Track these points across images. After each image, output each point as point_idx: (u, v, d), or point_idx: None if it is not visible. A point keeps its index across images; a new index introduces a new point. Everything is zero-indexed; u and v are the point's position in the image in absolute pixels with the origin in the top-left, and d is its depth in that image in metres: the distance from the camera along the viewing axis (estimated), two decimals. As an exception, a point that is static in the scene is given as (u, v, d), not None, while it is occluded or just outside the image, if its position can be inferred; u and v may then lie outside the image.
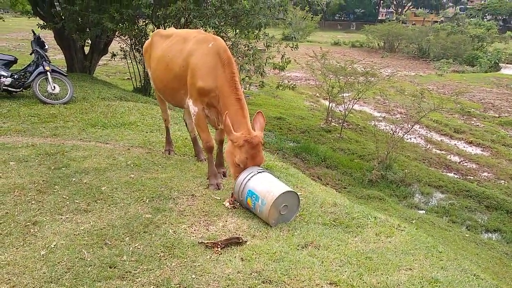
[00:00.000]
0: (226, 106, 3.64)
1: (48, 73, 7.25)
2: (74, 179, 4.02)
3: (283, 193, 3.27)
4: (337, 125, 14.25)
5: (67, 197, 3.63)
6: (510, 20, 78.80)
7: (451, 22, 45.34)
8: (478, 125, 16.28)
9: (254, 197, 3.34)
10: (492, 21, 53.94)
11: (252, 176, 3.41)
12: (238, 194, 3.51)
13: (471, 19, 52.95)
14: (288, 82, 12.79)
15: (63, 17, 10.26)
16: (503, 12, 75.06)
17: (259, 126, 3.63)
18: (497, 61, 34.89)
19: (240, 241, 2.98)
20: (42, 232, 3.06)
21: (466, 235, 8.25)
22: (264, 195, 3.29)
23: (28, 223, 3.16)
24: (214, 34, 9.57)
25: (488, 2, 79.57)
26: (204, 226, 3.26)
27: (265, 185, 3.35)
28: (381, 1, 79.76)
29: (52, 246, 2.88)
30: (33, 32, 7.97)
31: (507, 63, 36.49)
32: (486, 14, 73.59)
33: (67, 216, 3.31)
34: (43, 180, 3.95)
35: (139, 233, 3.11)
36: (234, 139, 3.50)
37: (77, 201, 3.56)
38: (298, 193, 3.46)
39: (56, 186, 3.84)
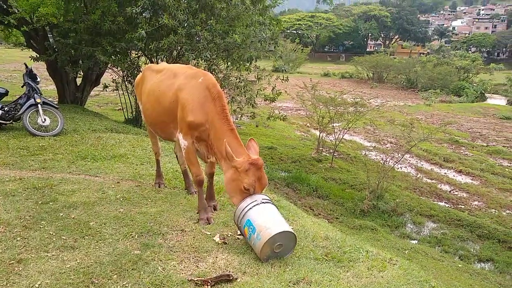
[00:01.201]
0: (220, 137, 3.67)
1: (39, 105, 7.26)
2: (61, 214, 3.95)
3: (279, 232, 3.21)
4: (328, 154, 14.34)
5: (53, 233, 3.55)
6: (494, 52, 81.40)
7: (437, 54, 46.73)
8: (467, 154, 16.50)
9: (251, 229, 3.29)
10: (477, 53, 55.71)
11: (254, 206, 3.35)
12: (237, 220, 3.45)
13: (456, 51, 54.63)
14: (279, 112, 12.93)
15: (56, 50, 10.38)
16: (486, 45, 77.75)
17: (254, 151, 3.66)
18: (483, 91, 35.84)
19: (231, 278, 2.92)
20: (27, 271, 2.98)
21: (459, 265, 8.20)
22: (261, 229, 3.23)
23: (13, 261, 3.08)
24: (206, 66, 9.82)
25: (472, 35, 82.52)
26: (193, 262, 3.20)
27: (264, 219, 3.28)
28: (369, 34, 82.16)
29: (37, 285, 2.80)
30: (25, 65, 8.03)
31: (492, 93, 37.49)
32: (471, 46, 76.11)
33: (53, 253, 3.23)
34: (30, 216, 3.88)
35: (127, 270, 3.04)
36: (238, 165, 3.48)
37: (64, 237, 3.49)
38: (292, 229, 3.40)
39: (42, 222, 3.77)
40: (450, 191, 12.36)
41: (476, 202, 11.62)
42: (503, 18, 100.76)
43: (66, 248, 3.31)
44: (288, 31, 65.17)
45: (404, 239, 9.18)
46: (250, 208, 3.34)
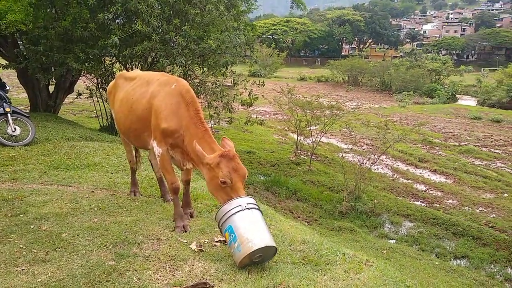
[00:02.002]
0: (194, 138, 3.62)
1: (9, 114, 7.05)
2: (32, 226, 3.82)
3: (261, 248, 3.13)
4: (306, 157, 14.46)
5: (24, 246, 3.43)
6: (463, 54, 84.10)
7: (409, 57, 47.91)
8: (440, 153, 16.94)
9: (232, 236, 3.20)
10: (447, 56, 57.43)
11: (238, 211, 3.24)
12: (219, 222, 3.34)
13: (428, 54, 56.17)
14: (257, 117, 12.97)
15: (26, 57, 10.11)
16: (456, 48, 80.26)
17: (229, 147, 3.59)
18: (454, 92, 36.97)
19: (207, 286, 2.89)
20: (-5, 287, 2.87)
21: (436, 263, 8.37)
22: (243, 241, 3.13)
23: (-20, 277, 2.96)
24: (181, 72, 9.76)
25: (443, 38, 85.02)
26: (170, 271, 3.15)
27: (246, 229, 3.17)
28: (344, 38, 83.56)
29: (5, 301, 2.70)
30: (-7, 73, 7.79)
31: (463, 95, 38.68)
32: (441, 49, 78.39)
33: (23, 268, 3.12)
34: (-1, 229, 3.74)
35: (101, 282, 2.96)
36: (209, 161, 3.43)
37: (34, 250, 3.37)
38: (274, 243, 3.31)
39: (12, 235, 3.64)
40: (425, 191, 12.65)
41: (450, 201, 11.93)
42: (471, 21, 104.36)
43: (37, 262, 3.21)
44: (264, 36, 65.57)
45: (383, 239, 9.33)
46: (234, 214, 3.24)
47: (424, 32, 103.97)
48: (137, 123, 4.15)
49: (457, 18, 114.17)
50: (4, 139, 6.93)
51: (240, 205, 3.27)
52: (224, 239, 3.44)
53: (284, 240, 3.77)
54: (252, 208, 3.31)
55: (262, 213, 3.42)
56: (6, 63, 10.73)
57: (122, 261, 3.25)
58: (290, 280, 3.02)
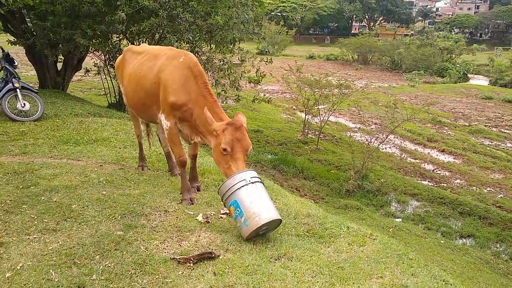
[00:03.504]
0: (203, 109, 3.62)
1: (18, 90, 7.10)
2: (43, 198, 3.91)
3: (268, 222, 3.18)
4: (313, 136, 14.43)
5: (35, 217, 3.52)
6: (477, 33, 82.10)
7: (420, 35, 46.87)
8: (449, 133, 16.78)
9: (238, 211, 3.23)
10: (460, 34, 56.10)
11: (242, 186, 3.26)
12: (223, 197, 3.37)
13: (440, 32, 54.90)
14: (264, 95, 12.90)
15: (34, 33, 10.10)
16: (469, 25, 78.25)
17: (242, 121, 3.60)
18: (465, 72, 36.24)
19: (213, 255, 2.95)
20: (8, 254, 2.96)
21: (442, 241, 8.42)
22: (250, 215, 3.17)
23: (-6, 245, 3.06)
24: (188, 49, 9.69)
25: (456, 16, 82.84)
26: (176, 241, 3.22)
27: (252, 203, 3.20)
28: (354, 16, 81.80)
29: (18, 267, 2.79)
30: (1, 49, 7.81)
31: (475, 74, 37.93)
32: (454, 28, 76.54)
33: (34, 236, 3.21)
34: (11, 200, 3.83)
35: (109, 250, 3.04)
36: (216, 127, 3.45)
37: (45, 220, 3.46)
38: (280, 215, 3.36)
39: (24, 206, 3.73)
40: (433, 170, 12.61)
41: (458, 180, 11.90)
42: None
43: (48, 231, 3.30)
44: (273, 13, 64.51)
45: (389, 218, 9.37)
46: (238, 189, 3.25)
47: (437, 9, 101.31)
48: (146, 97, 4.17)
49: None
50: (14, 114, 7.01)
51: (244, 179, 3.29)
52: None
53: (289, 213, 3.82)
54: (256, 182, 3.33)
55: (265, 186, 3.45)
56: (14, 40, 10.74)
57: (130, 231, 3.33)
58: (294, 251, 3.08)
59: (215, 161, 3.67)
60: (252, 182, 3.30)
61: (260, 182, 3.40)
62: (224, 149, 3.38)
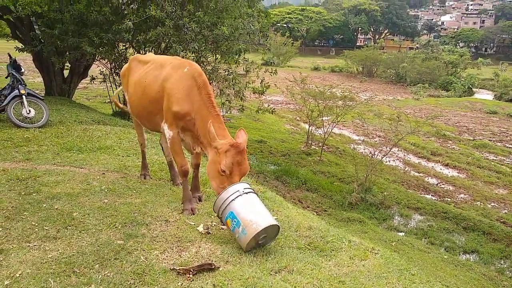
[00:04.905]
0: (206, 124, 3.64)
1: (24, 96, 7.15)
2: (44, 205, 3.91)
3: (265, 227, 3.20)
4: (317, 148, 14.40)
5: (36, 224, 3.52)
6: (482, 47, 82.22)
7: (425, 49, 46.97)
8: (453, 147, 16.70)
9: (235, 222, 3.25)
10: (465, 48, 56.16)
11: (237, 197, 3.29)
12: (218, 211, 3.39)
13: (445, 46, 55.02)
14: (268, 106, 12.93)
15: (42, 40, 10.22)
16: (475, 40, 78.45)
17: (242, 140, 3.62)
18: (470, 86, 36.21)
19: (213, 267, 2.93)
20: (8, 261, 2.95)
21: (445, 256, 8.33)
22: (247, 224, 3.19)
23: (-6, 252, 3.05)
24: (194, 59, 9.76)
25: (461, 30, 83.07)
26: (176, 252, 3.20)
27: (249, 212, 3.24)
28: (359, 28, 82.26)
29: (17, 275, 2.78)
30: (9, 55, 7.89)
31: (480, 88, 37.90)
32: (459, 42, 76.72)
33: (34, 244, 3.20)
34: (12, 206, 3.83)
35: (109, 260, 3.03)
36: (219, 146, 3.47)
37: (46, 228, 3.46)
38: (277, 221, 3.39)
39: (25, 213, 3.73)
40: (437, 184, 12.52)
41: (462, 195, 11.80)
42: (491, 13, 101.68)
43: (48, 239, 3.29)
44: (278, 24, 64.99)
45: (392, 231, 9.29)
46: (233, 200, 3.29)
47: (442, 23, 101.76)
48: (150, 105, 4.20)
49: (477, 9, 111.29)
50: (19, 120, 7.05)
51: (238, 191, 3.34)
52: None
53: (290, 225, 3.79)
54: (249, 192, 3.38)
55: (258, 196, 3.50)
56: (22, 46, 10.87)
57: (130, 240, 3.31)
58: (295, 264, 3.05)
59: (208, 174, 3.71)
60: (246, 193, 3.35)
61: (254, 192, 3.44)
62: (223, 171, 3.43)
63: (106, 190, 4.42)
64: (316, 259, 3.18)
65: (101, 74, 11.69)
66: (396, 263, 3.22)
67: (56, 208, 3.85)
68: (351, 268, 3.09)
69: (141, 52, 10.09)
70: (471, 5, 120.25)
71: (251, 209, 3.27)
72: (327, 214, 9.79)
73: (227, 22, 9.19)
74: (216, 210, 3.41)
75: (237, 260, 3.09)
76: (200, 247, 3.28)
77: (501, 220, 10.08)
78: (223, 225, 3.47)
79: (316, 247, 3.41)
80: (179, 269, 2.90)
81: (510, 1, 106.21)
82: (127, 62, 5.17)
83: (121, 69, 9.97)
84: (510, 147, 17.36)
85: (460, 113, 25.07)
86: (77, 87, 13.02)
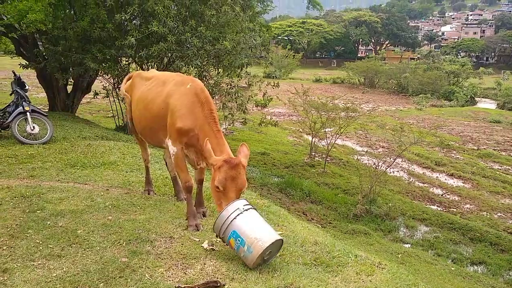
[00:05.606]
0: (207, 137, 3.66)
1: (28, 113, 7.20)
2: (49, 223, 3.90)
3: (271, 244, 3.17)
4: (320, 159, 14.37)
5: (40, 242, 3.50)
6: (483, 57, 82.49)
7: (426, 59, 47.17)
8: (458, 157, 16.62)
9: (239, 241, 3.20)
10: (466, 58, 56.38)
11: (238, 215, 3.25)
12: (219, 231, 3.34)
13: (446, 56, 55.24)
14: (271, 118, 12.96)
15: (45, 57, 10.32)
16: (475, 50, 78.77)
17: (243, 155, 3.60)
18: (472, 95, 36.25)
19: (218, 284, 2.90)
20: (12, 280, 2.93)
21: (452, 268, 8.22)
22: (252, 242, 3.15)
23: (-2, 271, 3.03)
24: (197, 74, 9.83)
25: (461, 40, 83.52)
26: (181, 269, 3.17)
27: (252, 229, 3.20)
28: (360, 39, 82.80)
29: (22, 295, 2.76)
30: (13, 73, 7.97)
31: (482, 98, 37.90)
32: (460, 51, 77.05)
33: (39, 262, 3.18)
34: (16, 224, 3.82)
35: (114, 278, 3.00)
36: (214, 162, 3.48)
37: (50, 246, 3.44)
38: (281, 236, 3.36)
39: (29, 230, 3.71)
40: (442, 195, 12.43)
41: (468, 205, 11.71)
42: (491, 23, 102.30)
43: (53, 257, 3.27)
44: (279, 37, 65.53)
45: (397, 243, 9.20)
46: (234, 219, 3.24)
47: (443, 33, 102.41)
48: (153, 122, 4.21)
49: (477, 19, 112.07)
50: (23, 137, 7.08)
51: (238, 208, 3.30)
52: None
53: (296, 241, 3.76)
54: (249, 209, 3.35)
55: (258, 211, 3.48)
56: (26, 63, 10.99)
57: (135, 258, 3.29)
58: (301, 281, 3.01)
59: (210, 189, 3.74)
60: (246, 210, 3.31)
61: (253, 208, 3.41)
62: (217, 188, 3.43)
63: (110, 207, 4.40)
64: (322, 275, 3.15)
65: (104, 89, 11.78)
66: (403, 278, 3.18)
67: (61, 226, 3.84)
68: (358, 284, 3.05)
69: (143, 67, 10.19)
70: (471, 15, 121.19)
71: (253, 226, 3.24)
72: (332, 226, 9.71)
73: (229, 36, 9.27)
74: (217, 231, 3.36)
75: (243, 277, 3.06)
76: (205, 264, 3.25)
77: (508, 230, 9.98)
78: (226, 245, 3.42)
79: (322, 262, 3.38)
80: (184, 287, 2.87)
81: (510, 11, 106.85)
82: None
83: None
84: (514, 156, 17.25)
85: (463, 122, 25.02)
86: (80, 102, 13.11)
